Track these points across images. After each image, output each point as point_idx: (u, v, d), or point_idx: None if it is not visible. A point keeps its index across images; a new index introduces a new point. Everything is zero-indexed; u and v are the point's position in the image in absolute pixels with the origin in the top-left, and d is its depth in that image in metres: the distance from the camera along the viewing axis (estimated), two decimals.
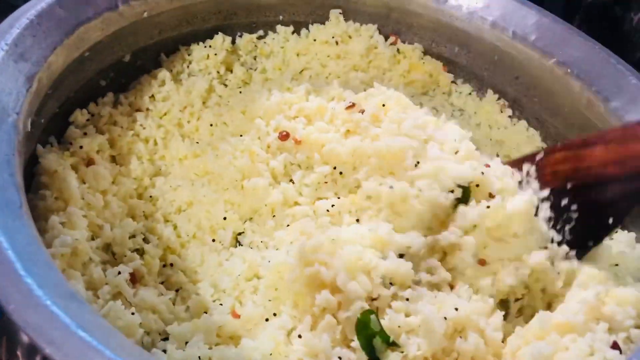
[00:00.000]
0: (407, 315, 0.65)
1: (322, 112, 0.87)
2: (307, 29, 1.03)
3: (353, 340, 0.64)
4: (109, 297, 0.67)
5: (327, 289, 0.66)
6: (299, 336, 0.64)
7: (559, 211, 0.70)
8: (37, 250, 0.53)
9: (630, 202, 0.64)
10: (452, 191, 0.74)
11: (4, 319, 0.48)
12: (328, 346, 0.63)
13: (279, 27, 1.03)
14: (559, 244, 0.71)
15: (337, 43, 1.02)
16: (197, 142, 0.88)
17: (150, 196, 0.84)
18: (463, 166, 0.76)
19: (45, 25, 0.72)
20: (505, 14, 0.94)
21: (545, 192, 0.72)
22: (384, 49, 1.02)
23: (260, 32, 1.03)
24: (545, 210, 0.72)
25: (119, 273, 0.70)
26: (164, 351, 0.63)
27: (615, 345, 0.61)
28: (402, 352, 0.63)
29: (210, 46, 0.98)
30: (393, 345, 0.64)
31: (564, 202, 0.69)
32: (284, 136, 0.84)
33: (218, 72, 0.98)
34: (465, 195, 0.74)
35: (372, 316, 0.64)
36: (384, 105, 0.87)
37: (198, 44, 0.97)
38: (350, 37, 1.03)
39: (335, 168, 0.81)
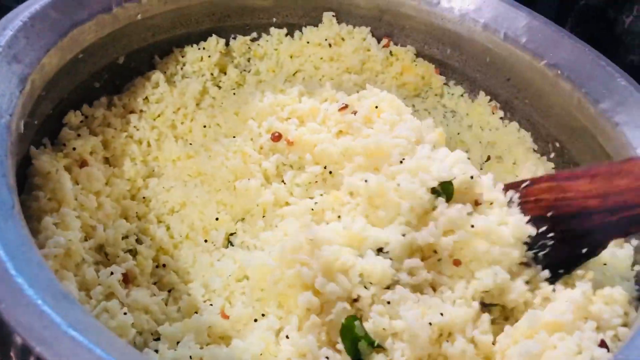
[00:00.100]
0: (392, 318, 0.65)
1: (314, 114, 0.88)
2: (301, 31, 1.04)
3: (338, 343, 0.64)
4: (101, 298, 0.67)
5: (310, 290, 0.66)
6: (287, 337, 0.64)
7: (535, 237, 0.71)
8: (29, 251, 0.54)
9: (607, 235, 0.66)
10: (434, 189, 0.74)
11: None
12: (315, 346, 0.63)
13: (272, 30, 1.03)
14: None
15: (330, 45, 1.03)
16: (191, 144, 0.89)
17: (144, 197, 0.84)
18: (449, 165, 0.76)
19: (39, 27, 0.73)
20: (496, 16, 0.95)
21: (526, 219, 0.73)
22: (377, 51, 1.03)
23: (254, 35, 1.03)
24: None
25: (112, 274, 0.70)
26: (156, 351, 0.63)
27: (602, 344, 0.62)
28: (388, 355, 0.64)
29: (204, 48, 0.99)
30: (378, 347, 0.64)
31: (542, 229, 0.70)
32: (277, 137, 0.84)
33: (212, 74, 0.98)
34: (447, 193, 0.74)
35: (357, 322, 0.64)
36: (376, 107, 0.88)
37: (192, 46, 0.98)
38: (343, 39, 1.04)
39: (325, 167, 0.82)
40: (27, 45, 0.71)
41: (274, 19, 1.03)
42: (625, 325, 0.65)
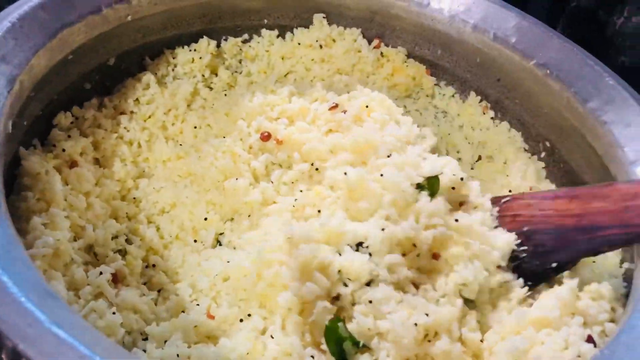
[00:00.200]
0: (376, 318, 0.65)
1: (304, 113, 0.88)
2: (292, 32, 1.04)
3: (323, 343, 0.64)
4: (90, 298, 0.67)
5: (289, 289, 0.66)
6: (271, 336, 0.64)
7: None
8: (15, 249, 0.54)
9: (578, 252, 0.67)
10: (419, 184, 0.74)
11: None
12: (299, 346, 0.63)
13: (263, 31, 1.04)
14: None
15: (321, 47, 1.03)
16: (181, 145, 0.89)
17: (134, 198, 0.84)
18: (440, 165, 0.77)
19: (28, 28, 0.73)
20: (486, 16, 0.95)
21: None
22: (368, 52, 1.03)
23: (245, 36, 1.04)
24: None
25: (101, 274, 0.70)
26: (144, 351, 0.63)
27: (589, 339, 0.62)
28: (373, 355, 0.64)
29: (195, 50, 0.99)
30: (364, 347, 0.64)
31: (516, 242, 0.72)
32: (266, 137, 0.85)
33: (203, 75, 0.99)
34: (432, 188, 0.74)
35: (340, 324, 0.64)
36: (367, 106, 0.88)
37: (183, 48, 0.98)
38: (334, 40, 1.04)
39: (312, 164, 0.82)
40: (16, 46, 0.71)
41: (265, 21, 1.04)
42: (612, 321, 0.65)
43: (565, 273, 0.70)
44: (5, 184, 0.63)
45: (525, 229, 0.71)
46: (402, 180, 0.73)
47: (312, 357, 0.63)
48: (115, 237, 0.78)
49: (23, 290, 0.48)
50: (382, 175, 0.74)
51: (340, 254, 0.68)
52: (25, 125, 0.75)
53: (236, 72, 1.02)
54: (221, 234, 0.82)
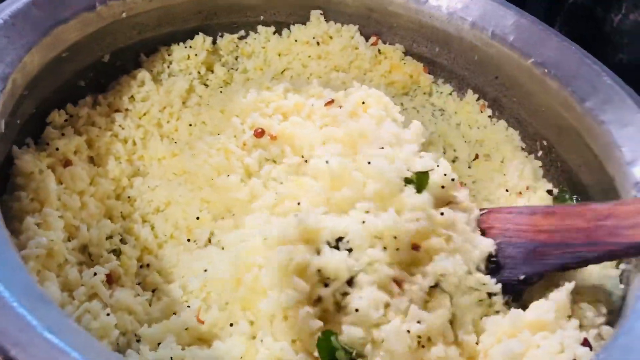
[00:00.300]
0: (366, 326, 0.64)
1: (299, 109, 0.87)
2: (289, 29, 1.04)
3: (315, 350, 0.64)
4: (84, 299, 0.67)
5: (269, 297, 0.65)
6: (261, 340, 0.64)
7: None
8: (6, 252, 0.53)
9: (547, 266, 0.68)
10: (407, 178, 0.72)
11: None
12: (290, 351, 0.62)
13: (260, 28, 1.03)
14: None
15: (318, 43, 1.03)
16: (176, 142, 0.89)
17: (129, 196, 0.84)
18: (429, 161, 0.76)
19: (20, 26, 0.72)
20: (484, 14, 0.95)
21: None
22: (365, 49, 1.03)
23: (242, 33, 1.03)
24: None
25: (95, 274, 0.70)
26: (138, 352, 0.63)
27: (585, 342, 0.62)
28: None
29: (190, 46, 0.98)
30: (357, 356, 0.63)
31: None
32: (259, 133, 0.84)
33: (199, 72, 0.98)
34: (420, 183, 0.72)
35: (332, 337, 0.63)
36: (363, 102, 0.88)
37: (178, 45, 0.98)
38: (331, 37, 1.03)
39: (302, 156, 0.81)
40: (9, 44, 0.70)
41: (262, 17, 1.03)
42: (608, 324, 0.65)
43: (561, 275, 0.70)
44: None
45: (497, 241, 0.72)
46: (389, 171, 0.72)
47: None
48: (109, 237, 0.77)
49: (15, 295, 0.48)
50: (369, 163, 0.72)
51: (319, 253, 0.67)
52: (18, 124, 0.75)
53: (232, 69, 1.02)
54: (213, 232, 0.82)
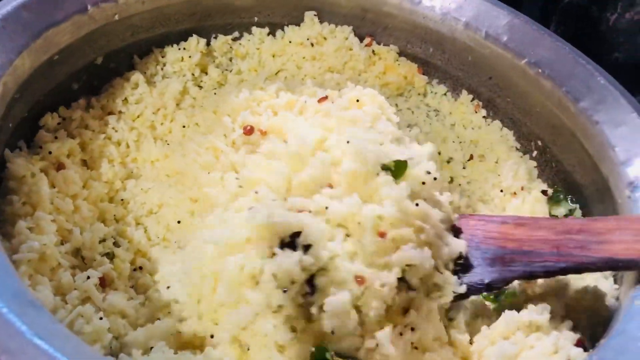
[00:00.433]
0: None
1: (291, 106, 0.87)
2: (283, 30, 1.03)
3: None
4: (77, 302, 0.66)
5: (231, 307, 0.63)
6: (248, 349, 0.63)
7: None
8: None
9: (513, 273, 0.67)
10: (385, 165, 0.69)
11: None
12: (279, 358, 0.61)
13: (254, 29, 1.03)
14: None
15: (312, 45, 1.02)
16: (169, 144, 0.88)
17: (122, 199, 0.83)
18: (413, 151, 0.74)
19: (11, 29, 0.72)
20: (478, 14, 0.94)
21: None
22: (359, 50, 1.03)
23: (236, 34, 1.03)
24: None
25: (88, 278, 0.69)
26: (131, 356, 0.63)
27: (579, 343, 0.62)
28: None
29: (184, 48, 0.98)
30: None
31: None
32: (249, 130, 0.83)
33: (193, 74, 0.98)
34: (397, 171, 0.69)
35: (327, 354, 0.61)
36: (357, 100, 0.87)
37: (172, 46, 0.97)
38: (325, 38, 1.03)
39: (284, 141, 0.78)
40: None
41: (256, 18, 1.03)
42: (603, 324, 0.65)
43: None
44: None
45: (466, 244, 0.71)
46: (369, 152, 0.68)
47: None
48: (102, 240, 0.77)
49: (4, 301, 0.48)
50: (348, 142, 0.69)
51: (274, 254, 0.62)
52: (10, 127, 0.75)
53: (226, 70, 1.01)
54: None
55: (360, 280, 0.62)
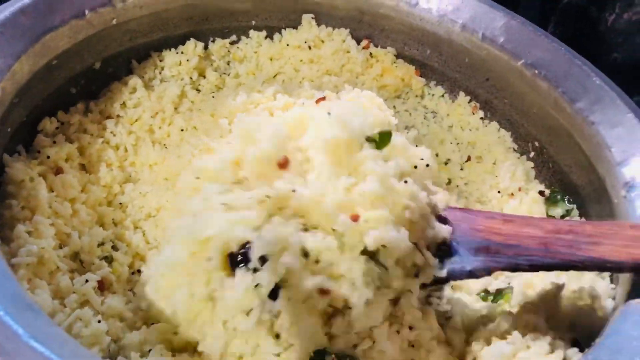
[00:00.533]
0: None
1: (288, 109, 0.87)
2: (280, 33, 1.04)
3: None
4: (75, 306, 0.67)
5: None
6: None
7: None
8: None
9: (496, 263, 0.66)
10: (369, 137, 0.67)
11: None
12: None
13: (252, 32, 1.03)
14: None
15: (309, 48, 1.03)
16: (167, 148, 0.89)
17: (120, 203, 0.84)
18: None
19: (9, 34, 0.72)
20: (474, 16, 0.95)
21: None
22: (357, 53, 1.03)
23: (233, 37, 1.03)
24: None
25: (87, 281, 0.70)
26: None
27: (575, 343, 0.62)
28: None
29: (182, 52, 0.98)
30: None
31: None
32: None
33: (191, 77, 0.98)
34: (381, 141, 0.67)
35: (327, 357, 0.61)
36: None
37: (170, 50, 0.98)
38: (322, 41, 1.04)
39: None
40: None
41: (253, 22, 1.03)
42: (599, 324, 0.65)
43: (553, 274, 0.70)
44: None
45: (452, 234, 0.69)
46: (353, 119, 0.66)
47: None
48: (101, 244, 0.77)
49: (2, 303, 0.48)
50: (329, 113, 0.66)
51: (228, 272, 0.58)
52: (9, 131, 0.75)
53: (224, 73, 1.02)
54: None
55: (324, 292, 0.60)
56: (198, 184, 0.65)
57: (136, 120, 0.90)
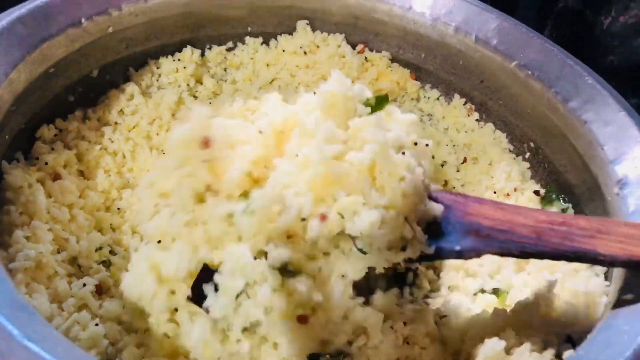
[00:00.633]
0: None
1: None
2: (276, 39, 1.05)
3: None
4: (73, 310, 0.67)
5: None
6: None
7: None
8: None
9: (487, 246, 0.65)
10: (368, 101, 0.67)
11: None
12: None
13: (247, 39, 1.04)
14: None
15: (305, 53, 1.04)
16: (164, 153, 0.89)
17: (118, 208, 0.85)
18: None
19: (6, 43, 0.73)
20: (467, 18, 0.95)
21: None
22: (352, 57, 1.04)
23: (230, 44, 1.04)
24: None
25: (84, 285, 0.70)
26: None
27: (568, 339, 0.62)
28: None
29: (179, 59, 0.99)
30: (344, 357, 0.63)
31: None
32: None
33: (188, 84, 0.99)
34: (377, 105, 0.67)
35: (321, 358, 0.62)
36: None
37: (167, 57, 0.99)
38: (318, 46, 1.04)
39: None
40: None
41: (249, 29, 1.04)
42: (593, 320, 0.65)
43: (546, 272, 0.70)
44: None
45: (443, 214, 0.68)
46: (348, 89, 0.65)
47: None
48: (99, 249, 0.78)
49: None
50: (315, 93, 0.66)
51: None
52: (7, 139, 0.76)
53: (221, 80, 1.03)
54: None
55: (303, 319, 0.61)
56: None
57: (134, 127, 0.91)
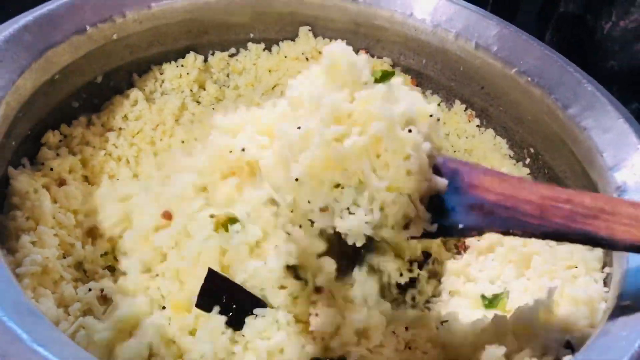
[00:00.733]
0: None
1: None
2: (278, 45, 1.06)
3: None
4: (79, 314, 0.68)
5: None
6: None
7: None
8: None
9: (490, 224, 0.64)
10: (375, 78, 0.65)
11: None
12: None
13: (250, 45, 1.05)
14: None
15: (307, 59, 1.05)
16: None
17: None
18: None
19: (13, 50, 0.74)
20: (468, 25, 0.96)
21: None
22: None
23: (232, 50, 1.05)
24: None
25: (90, 290, 0.71)
26: None
27: (568, 345, 0.63)
28: None
29: (182, 65, 1.00)
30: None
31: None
32: None
33: (191, 90, 1.00)
34: (382, 77, 0.65)
35: None
36: None
37: (170, 64, 1.00)
38: (320, 52, 1.05)
39: None
40: (1, 68, 0.72)
41: (252, 35, 1.05)
42: (592, 326, 0.66)
43: (546, 277, 0.71)
44: None
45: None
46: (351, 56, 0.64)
47: None
48: (104, 254, 0.79)
49: (4, 309, 0.50)
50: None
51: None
52: (13, 145, 0.77)
53: (224, 85, 1.04)
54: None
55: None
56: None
57: (138, 133, 0.92)
